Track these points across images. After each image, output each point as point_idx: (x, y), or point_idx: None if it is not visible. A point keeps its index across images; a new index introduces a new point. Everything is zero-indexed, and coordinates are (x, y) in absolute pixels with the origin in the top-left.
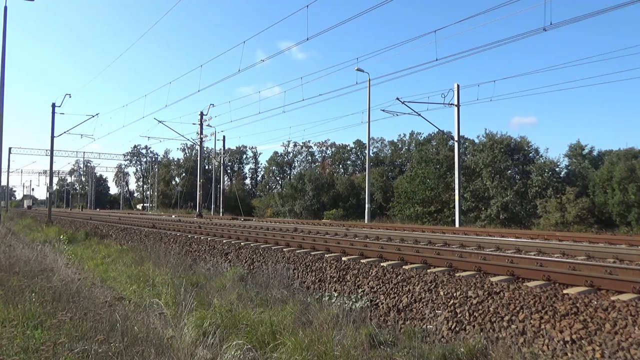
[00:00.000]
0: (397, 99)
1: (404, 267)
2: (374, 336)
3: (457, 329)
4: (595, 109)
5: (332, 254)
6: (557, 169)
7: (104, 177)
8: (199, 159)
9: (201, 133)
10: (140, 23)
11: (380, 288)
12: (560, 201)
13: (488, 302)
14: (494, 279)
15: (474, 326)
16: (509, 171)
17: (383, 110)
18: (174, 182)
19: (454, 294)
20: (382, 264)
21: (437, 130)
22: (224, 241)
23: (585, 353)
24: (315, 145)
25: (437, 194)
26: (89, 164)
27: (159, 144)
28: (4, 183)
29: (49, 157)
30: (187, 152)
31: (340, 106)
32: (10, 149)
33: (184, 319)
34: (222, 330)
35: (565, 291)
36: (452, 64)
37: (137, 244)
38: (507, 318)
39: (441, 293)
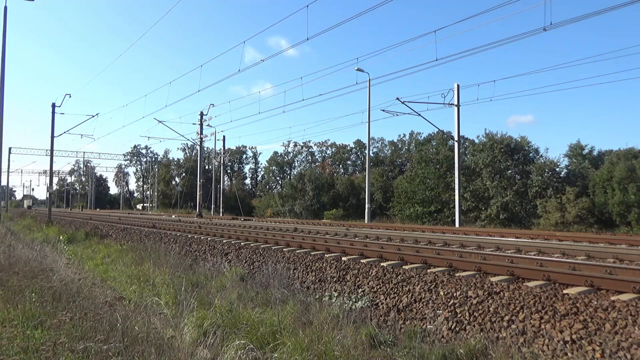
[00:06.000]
0: (397, 99)
1: (404, 267)
2: (374, 336)
3: (457, 329)
4: (595, 109)
5: (332, 254)
6: (557, 169)
7: (104, 177)
8: (199, 159)
9: (201, 133)
10: (140, 23)
11: (380, 288)
12: (560, 201)
13: (488, 302)
14: (494, 279)
15: (474, 326)
16: (509, 171)
17: (383, 110)
18: (174, 182)
19: (454, 294)
20: (382, 264)
21: (437, 130)
22: (224, 241)
23: (585, 353)
24: (315, 145)
25: (437, 194)
26: (88, 164)
27: (159, 144)
28: (4, 183)
29: (49, 157)
30: (187, 152)
31: (340, 106)
32: (10, 149)
33: (184, 318)
34: (222, 330)
35: (565, 291)
36: (452, 64)
37: (137, 244)
38: (507, 318)
39: (441, 293)
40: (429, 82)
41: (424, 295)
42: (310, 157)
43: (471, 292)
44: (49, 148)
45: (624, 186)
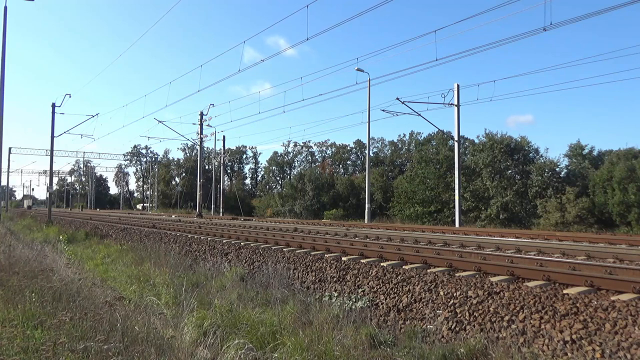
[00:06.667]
0: (397, 99)
1: (404, 267)
2: (374, 336)
3: (457, 329)
4: (595, 109)
5: (332, 254)
6: (557, 169)
7: (104, 177)
8: (199, 159)
9: (201, 133)
10: (140, 23)
11: (380, 288)
12: (560, 201)
13: (488, 302)
14: (494, 279)
15: (474, 326)
16: (509, 171)
17: (383, 110)
18: (174, 182)
19: (454, 294)
20: (382, 264)
21: (437, 130)
22: (224, 241)
23: (585, 353)
24: (315, 145)
25: (437, 194)
26: (88, 164)
27: (159, 144)
28: (4, 183)
29: (49, 157)
30: (187, 152)
31: (340, 106)
32: (10, 149)
33: (184, 318)
34: (222, 330)
35: (565, 291)
36: (452, 64)
37: (137, 244)
38: (507, 318)
39: (441, 293)
40: (429, 82)
41: (424, 295)
42: (310, 157)
43: (471, 292)
44: (49, 148)
45: (624, 186)
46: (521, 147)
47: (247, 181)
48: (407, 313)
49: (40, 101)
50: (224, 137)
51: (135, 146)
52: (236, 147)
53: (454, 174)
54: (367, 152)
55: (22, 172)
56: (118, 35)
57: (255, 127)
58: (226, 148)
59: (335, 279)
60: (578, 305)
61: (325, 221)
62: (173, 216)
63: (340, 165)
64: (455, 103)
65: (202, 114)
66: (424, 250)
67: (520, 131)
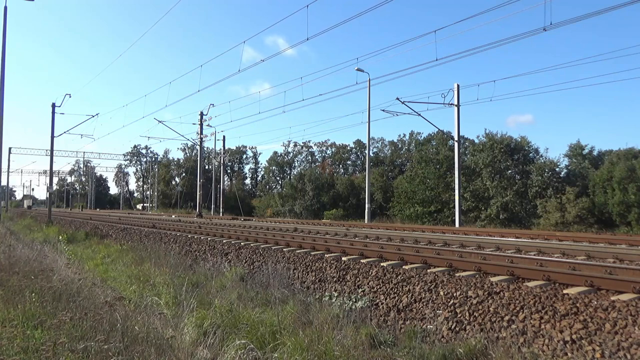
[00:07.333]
0: (397, 99)
1: (404, 267)
2: (374, 336)
3: (457, 329)
4: (595, 109)
5: (332, 254)
6: (557, 169)
7: (104, 177)
8: (199, 159)
9: (201, 133)
10: (140, 23)
11: (380, 288)
12: (560, 201)
13: (488, 302)
14: (494, 279)
15: (474, 326)
16: (509, 171)
17: (383, 110)
18: (174, 182)
19: (454, 294)
20: (382, 264)
21: (437, 130)
22: (224, 241)
23: (585, 353)
24: (315, 145)
25: (437, 194)
26: (88, 164)
27: (159, 144)
28: (4, 183)
29: (49, 157)
30: (187, 152)
31: (340, 106)
32: (10, 149)
33: (184, 318)
34: (222, 330)
35: (565, 291)
36: (452, 64)
37: (137, 244)
38: (507, 318)
39: (441, 293)
40: (429, 82)
41: (424, 295)
42: (310, 157)
43: (471, 292)
44: (49, 148)
45: (624, 186)
46: (521, 147)
47: (247, 181)
48: (407, 313)
49: (40, 101)
50: (224, 137)
51: (135, 146)
52: (236, 147)
53: (454, 174)
54: (367, 152)
55: (22, 172)
56: (118, 35)
57: (255, 127)
58: (226, 148)
59: (335, 279)
60: (578, 305)
61: (325, 221)
62: (173, 216)
63: (340, 165)
64: (455, 103)
65: (202, 114)
66: (424, 250)
67: (520, 131)
